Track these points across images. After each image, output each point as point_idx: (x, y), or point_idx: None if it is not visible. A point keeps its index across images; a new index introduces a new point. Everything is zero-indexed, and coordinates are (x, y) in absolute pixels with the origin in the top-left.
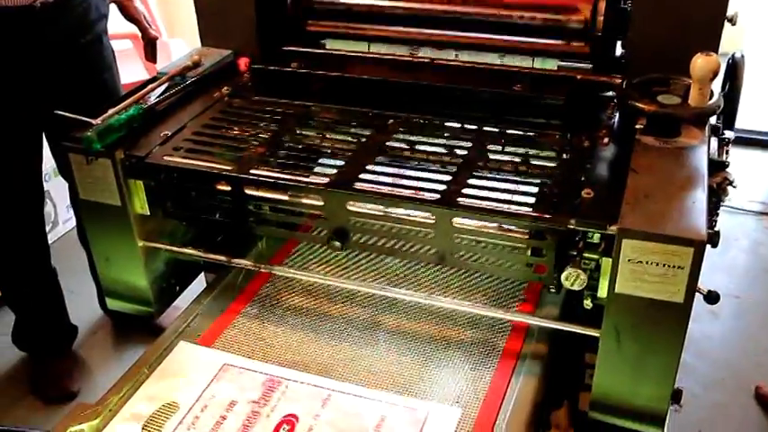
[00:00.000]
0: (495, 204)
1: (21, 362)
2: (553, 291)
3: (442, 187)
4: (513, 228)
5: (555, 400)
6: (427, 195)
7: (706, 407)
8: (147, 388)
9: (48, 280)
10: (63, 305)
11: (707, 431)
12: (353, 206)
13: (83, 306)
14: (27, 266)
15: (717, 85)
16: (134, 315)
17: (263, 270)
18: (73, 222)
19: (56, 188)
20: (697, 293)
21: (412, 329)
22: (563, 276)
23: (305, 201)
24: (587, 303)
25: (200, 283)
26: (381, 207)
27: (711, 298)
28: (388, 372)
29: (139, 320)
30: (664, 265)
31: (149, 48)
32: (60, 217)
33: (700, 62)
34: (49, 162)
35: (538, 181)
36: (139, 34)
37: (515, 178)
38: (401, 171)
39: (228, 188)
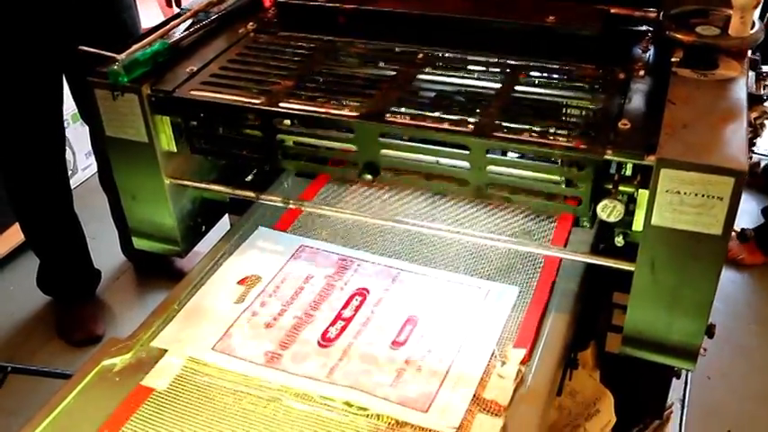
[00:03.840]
0: (530, 136)
1: (46, 306)
2: (586, 225)
3: (475, 119)
4: (548, 159)
5: (582, 340)
6: (461, 127)
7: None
8: (228, 267)
9: (71, 224)
10: (86, 250)
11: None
12: (385, 138)
13: (104, 252)
14: (50, 211)
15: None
16: (160, 255)
17: (291, 206)
18: (92, 170)
19: (75, 135)
20: None
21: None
22: (599, 207)
23: (335, 134)
24: (619, 241)
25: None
26: (413, 139)
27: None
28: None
29: (161, 265)
30: (702, 196)
31: None
32: (79, 164)
33: None
34: (67, 110)
35: (573, 113)
36: None
37: (550, 110)
38: (433, 104)
39: (257, 122)
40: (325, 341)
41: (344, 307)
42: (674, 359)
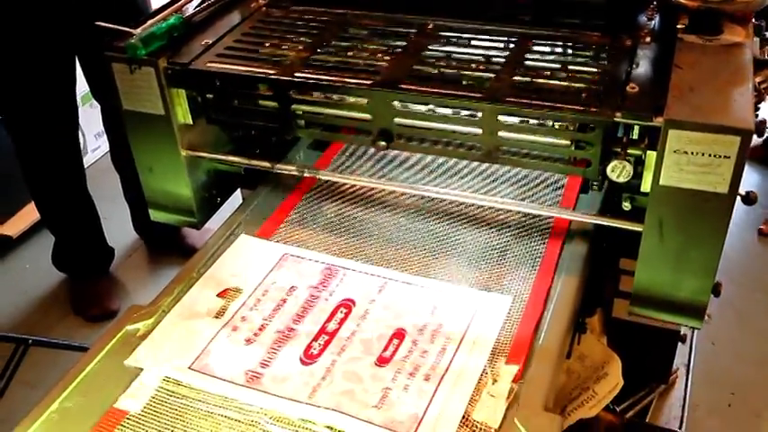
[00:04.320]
0: (540, 100)
1: (61, 283)
2: (596, 188)
3: (486, 85)
4: (559, 122)
5: (589, 306)
6: (472, 93)
7: None
8: (208, 278)
9: (84, 203)
10: (100, 227)
11: None
12: (399, 105)
13: (116, 231)
14: (64, 190)
15: None
16: (171, 232)
17: (306, 175)
18: (102, 151)
19: (84, 117)
20: None
21: (451, 234)
22: (609, 168)
23: (350, 102)
24: (626, 205)
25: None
26: (427, 105)
27: (749, 199)
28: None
29: (172, 242)
30: (709, 156)
31: None
32: (89, 146)
33: None
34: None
35: (582, 78)
36: None
37: (560, 75)
38: (444, 71)
39: (272, 92)
40: (308, 358)
41: (329, 320)
42: (682, 317)
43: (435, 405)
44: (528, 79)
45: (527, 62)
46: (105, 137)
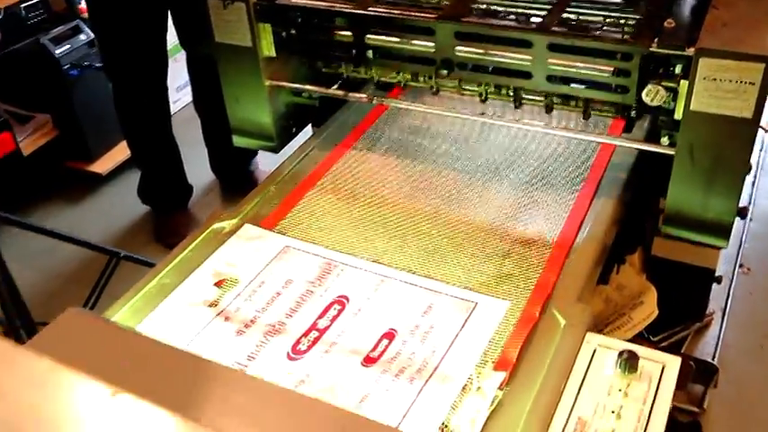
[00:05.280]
0: (586, 31)
1: (145, 215)
2: (634, 115)
3: (537, 20)
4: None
5: (630, 245)
6: (525, 25)
7: None
8: (207, 267)
9: (169, 143)
10: (181, 166)
11: None
12: (460, 37)
13: (194, 174)
14: (153, 130)
15: None
16: (244, 173)
17: (375, 102)
18: (181, 104)
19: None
20: None
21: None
22: (644, 93)
23: (418, 32)
24: (664, 141)
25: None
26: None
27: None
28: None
29: (245, 182)
30: (736, 82)
31: None
32: (171, 98)
33: None
34: None
35: (624, 15)
36: None
37: (602, 13)
38: (498, 10)
39: (348, 25)
40: (296, 353)
41: (321, 316)
42: (709, 236)
43: (415, 410)
44: (574, 17)
45: (573, 4)
46: (185, 90)
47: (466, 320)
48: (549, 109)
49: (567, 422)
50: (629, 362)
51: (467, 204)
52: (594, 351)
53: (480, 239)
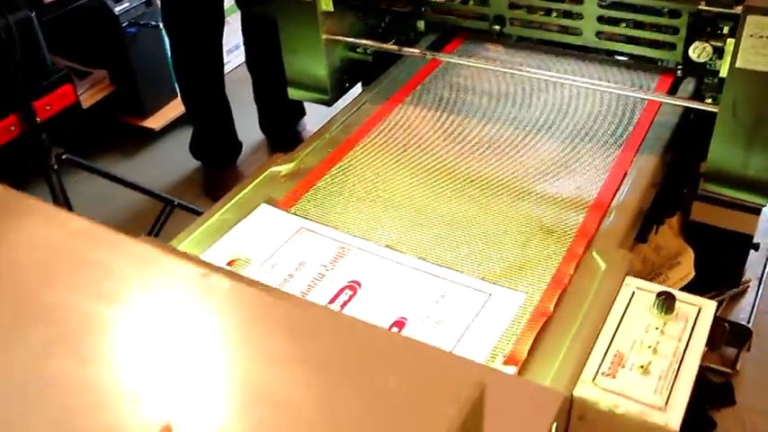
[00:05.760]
0: None
1: (195, 170)
2: (680, 73)
3: None
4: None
5: (669, 208)
6: None
7: None
8: (221, 246)
9: (221, 100)
10: (232, 123)
11: None
12: None
13: (243, 134)
14: (207, 87)
15: None
16: (291, 132)
17: (428, 57)
18: (232, 65)
19: None
20: None
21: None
22: (691, 49)
23: None
24: (708, 101)
25: None
26: None
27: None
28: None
29: (292, 141)
30: None
31: None
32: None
33: None
34: None
35: None
36: None
37: None
38: None
39: None
40: None
41: (331, 302)
42: (750, 194)
43: None
44: None
45: None
46: (234, 53)
47: (479, 311)
48: (597, 65)
49: (605, 355)
50: (667, 302)
51: (505, 161)
52: (633, 293)
53: (514, 205)
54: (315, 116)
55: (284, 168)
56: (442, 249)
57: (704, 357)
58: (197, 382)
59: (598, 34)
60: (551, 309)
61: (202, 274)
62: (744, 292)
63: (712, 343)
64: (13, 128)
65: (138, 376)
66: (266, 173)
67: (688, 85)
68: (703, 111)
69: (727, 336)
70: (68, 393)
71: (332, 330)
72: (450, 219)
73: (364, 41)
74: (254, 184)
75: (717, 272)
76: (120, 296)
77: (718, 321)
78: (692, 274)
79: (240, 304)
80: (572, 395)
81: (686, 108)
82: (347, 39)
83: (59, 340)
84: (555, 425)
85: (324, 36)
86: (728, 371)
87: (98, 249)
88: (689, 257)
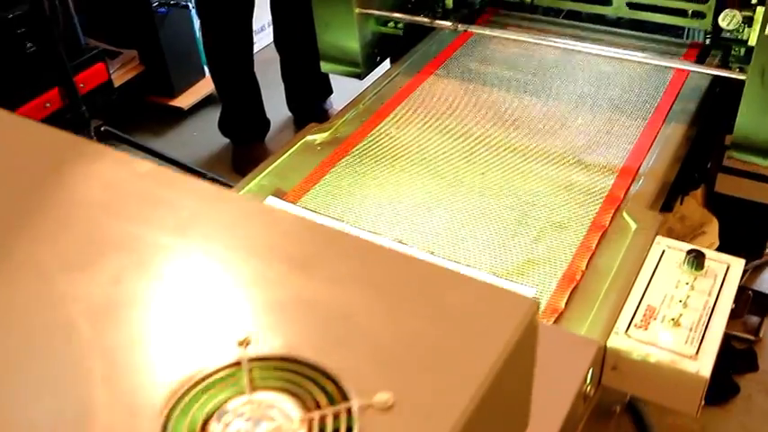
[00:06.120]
0: None
1: (224, 147)
2: (708, 42)
3: None
4: None
5: (694, 182)
6: None
7: None
8: None
9: (250, 79)
10: (261, 100)
11: None
12: None
13: (270, 113)
14: (237, 65)
15: None
16: (318, 111)
17: (460, 29)
18: (258, 46)
19: None
20: None
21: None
22: (720, 17)
23: None
24: (735, 70)
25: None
26: None
27: None
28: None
29: (319, 119)
30: None
31: None
32: None
33: None
34: None
35: None
36: None
37: None
38: None
39: None
40: None
41: None
42: None
43: None
44: None
45: None
46: (261, 34)
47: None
48: (624, 40)
49: (637, 308)
50: (697, 259)
51: (530, 132)
52: (663, 251)
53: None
54: (341, 95)
55: (319, 137)
56: (489, 199)
57: (728, 325)
58: (270, 301)
59: (629, 4)
60: (584, 268)
61: (267, 209)
62: (766, 263)
63: (736, 311)
64: (48, 104)
65: (214, 297)
66: (301, 142)
67: (714, 60)
68: (729, 83)
69: (750, 304)
70: (146, 312)
71: (393, 258)
72: (480, 186)
73: (397, 14)
74: (289, 152)
75: (740, 242)
76: (190, 228)
77: (741, 290)
78: (717, 243)
79: (306, 233)
80: (605, 346)
81: (711, 82)
82: (380, 12)
83: (134, 266)
84: (591, 371)
85: (357, 10)
86: (752, 338)
87: (166, 188)
88: (713, 227)
